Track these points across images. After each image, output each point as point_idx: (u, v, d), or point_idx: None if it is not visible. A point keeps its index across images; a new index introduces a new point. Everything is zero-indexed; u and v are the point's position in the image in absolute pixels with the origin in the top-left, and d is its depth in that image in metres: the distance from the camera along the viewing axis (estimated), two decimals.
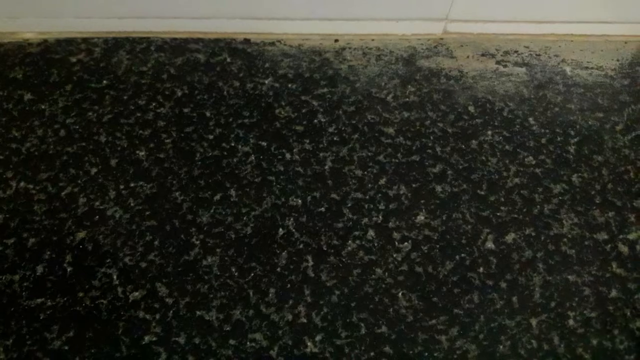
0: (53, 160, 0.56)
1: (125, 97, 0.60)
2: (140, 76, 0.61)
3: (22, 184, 0.54)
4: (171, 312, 0.48)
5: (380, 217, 0.53)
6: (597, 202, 0.54)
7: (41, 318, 0.47)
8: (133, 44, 0.64)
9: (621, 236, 0.52)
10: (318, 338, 0.47)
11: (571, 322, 0.48)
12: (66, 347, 0.46)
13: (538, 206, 0.54)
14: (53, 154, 0.56)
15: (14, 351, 0.46)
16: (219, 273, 0.49)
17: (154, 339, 0.46)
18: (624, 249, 0.52)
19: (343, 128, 0.58)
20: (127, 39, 0.64)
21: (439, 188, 0.55)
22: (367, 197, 0.54)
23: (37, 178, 0.55)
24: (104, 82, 0.61)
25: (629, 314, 0.49)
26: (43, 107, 0.59)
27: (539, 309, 0.48)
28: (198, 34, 0.64)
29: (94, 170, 0.55)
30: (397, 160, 0.56)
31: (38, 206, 0.53)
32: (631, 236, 0.52)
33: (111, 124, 0.58)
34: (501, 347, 0.47)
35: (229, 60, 0.63)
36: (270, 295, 0.48)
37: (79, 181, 0.54)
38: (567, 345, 0.47)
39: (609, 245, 0.52)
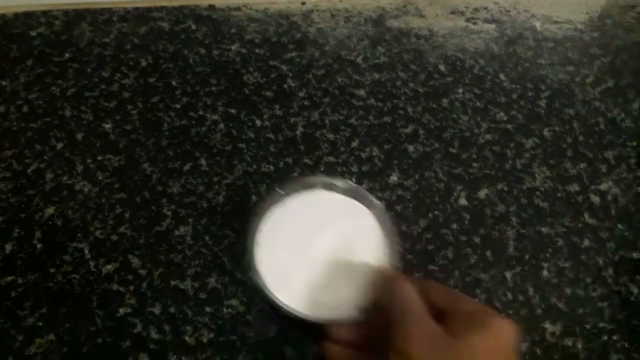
0: (17, 137, 0.54)
1: (88, 70, 0.58)
2: (104, 48, 0.60)
3: None
4: (145, 283, 0.47)
5: (354, 179, 0.53)
6: (569, 154, 0.55)
7: (12, 296, 0.47)
8: (94, 15, 0.62)
9: (593, 187, 0.53)
10: None
11: (545, 272, 0.49)
12: (40, 323, 0.45)
13: (510, 161, 0.54)
14: (17, 131, 0.55)
15: None
16: (192, 242, 0.48)
17: (129, 310, 0.46)
18: (596, 199, 0.52)
19: (313, 92, 0.57)
20: (89, 10, 0.62)
21: (411, 148, 0.54)
22: (340, 160, 0.54)
23: (1, 156, 0.53)
24: (66, 55, 0.59)
25: (601, 262, 0.49)
26: (4, 83, 0.57)
27: (513, 261, 0.49)
28: (161, 2, 0.63)
29: (60, 145, 0.54)
30: (369, 123, 0.56)
31: (4, 184, 0.52)
32: (602, 187, 0.53)
33: (75, 97, 0.57)
34: (476, 300, 0.47)
35: (193, 27, 0.61)
36: (246, 261, 0.48)
37: (45, 157, 0.53)
38: (541, 295, 0.48)
39: (581, 197, 0.52)
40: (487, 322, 0.33)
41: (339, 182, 0.46)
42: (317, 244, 0.43)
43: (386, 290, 0.37)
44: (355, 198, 0.45)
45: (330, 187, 0.46)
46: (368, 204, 0.45)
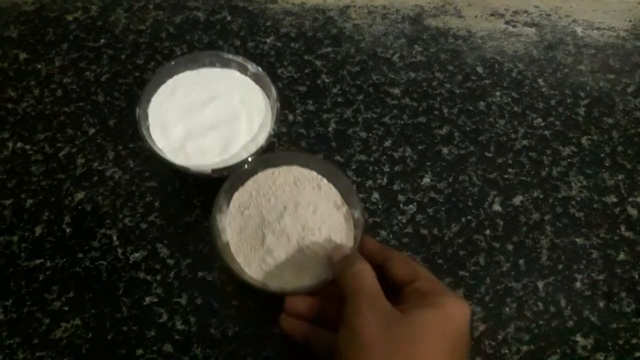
0: (50, 121, 0.54)
1: (123, 57, 0.58)
2: (139, 35, 0.60)
3: (19, 144, 0.53)
4: (172, 273, 0.47)
5: (385, 179, 0.52)
6: (607, 164, 0.53)
7: (40, 279, 0.47)
8: (130, 1, 0.62)
9: (630, 199, 0.51)
10: None
11: (578, 284, 0.47)
12: (66, 308, 0.46)
13: (546, 168, 0.53)
14: (50, 114, 0.55)
15: (13, 312, 0.45)
16: None
17: (156, 299, 0.46)
18: (633, 212, 0.51)
19: (347, 89, 0.57)
20: None
21: (445, 150, 0.53)
22: (372, 159, 0.53)
23: (34, 139, 0.53)
24: (102, 41, 0.59)
25: (636, 276, 0.48)
26: (39, 66, 0.58)
27: (546, 271, 0.48)
28: None
29: (92, 131, 0.54)
30: (402, 122, 0.55)
31: (35, 167, 0.52)
32: None
33: (109, 83, 0.57)
34: (507, 309, 0.46)
35: (229, 18, 0.61)
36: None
37: (77, 142, 0.53)
38: (573, 307, 0.46)
39: (618, 209, 0.51)
40: (439, 301, 0.34)
41: (251, 66, 0.50)
42: (205, 110, 0.48)
43: (342, 270, 0.38)
44: (258, 83, 0.50)
45: (242, 68, 0.51)
46: (268, 92, 0.50)
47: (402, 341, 0.32)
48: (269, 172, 0.46)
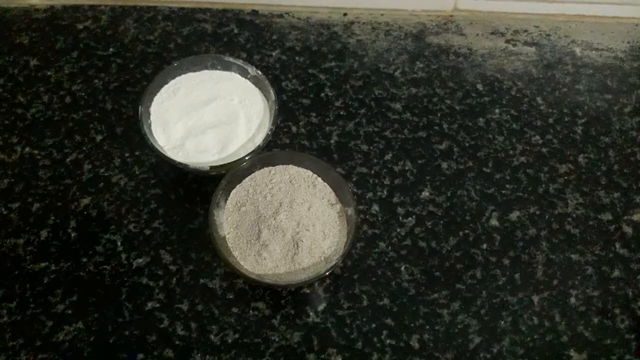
0: (58, 127, 0.56)
1: (131, 66, 0.59)
2: (147, 45, 0.61)
3: (27, 149, 0.54)
4: (175, 279, 0.48)
5: (385, 192, 0.53)
6: (603, 183, 0.54)
7: (45, 282, 0.48)
8: (140, 12, 0.63)
9: (625, 217, 0.52)
10: (320, 308, 0.47)
11: (573, 300, 0.48)
12: (69, 311, 0.46)
13: (543, 185, 0.54)
14: (58, 120, 0.56)
15: (17, 314, 0.46)
16: None
17: (157, 305, 0.47)
18: (628, 229, 0.52)
19: (350, 102, 0.58)
20: (134, 7, 0.64)
21: (444, 165, 0.54)
22: (373, 172, 0.54)
23: (42, 144, 0.54)
24: (111, 50, 0.61)
25: (630, 294, 0.49)
26: (49, 73, 0.59)
27: (541, 286, 0.49)
28: (205, 4, 0.64)
29: (99, 138, 0.55)
30: (403, 136, 0.56)
31: (43, 172, 0.53)
32: (635, 217, 0.52)
33: (117, 91, 0.58)
34: (502, 322, 0.47)
35: (236, 31, 0.62)
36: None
37: (84, 148, 0.54)
38: (567, 322, 0.47)
39: (613, 226, 0.52)
40: None
41: (251, 69, 0.52)
42: (205, 109, 0.50)
43: None
44: (258, 86, 0.52)
45: (243, 71, 0.52)
46: (267, 94, 0.51)
47: None
48: (265, 170, 0.48)
